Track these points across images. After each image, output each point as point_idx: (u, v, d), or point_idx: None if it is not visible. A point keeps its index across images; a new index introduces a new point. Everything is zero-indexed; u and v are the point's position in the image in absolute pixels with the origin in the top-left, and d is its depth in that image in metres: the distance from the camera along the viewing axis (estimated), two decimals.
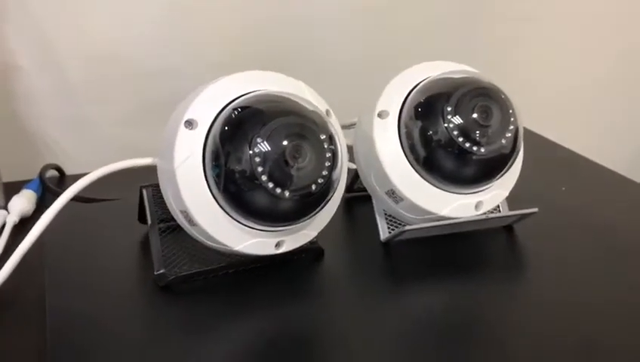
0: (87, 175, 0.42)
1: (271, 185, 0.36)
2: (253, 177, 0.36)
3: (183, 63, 0.67)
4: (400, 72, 0.46)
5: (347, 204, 0.54)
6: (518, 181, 0.47)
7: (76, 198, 0.52)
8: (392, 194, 0.44)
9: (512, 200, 0.48)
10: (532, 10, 0.81)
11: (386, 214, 0.48)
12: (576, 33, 0.85)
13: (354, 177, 0.52)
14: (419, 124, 0.43)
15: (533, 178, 0.59)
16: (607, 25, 0.86)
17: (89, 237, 0.49)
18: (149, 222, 0.42)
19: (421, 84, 0.44)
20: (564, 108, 0.88)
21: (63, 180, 0.63)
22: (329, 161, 0.38)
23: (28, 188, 0.57)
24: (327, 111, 0.43)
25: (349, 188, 0.54)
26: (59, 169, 0.64)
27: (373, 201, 0.48)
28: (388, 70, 0.47)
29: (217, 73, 0.41)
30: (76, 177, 0.42)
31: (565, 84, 0.87)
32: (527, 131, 0.78)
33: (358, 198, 0.53)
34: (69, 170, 0.65)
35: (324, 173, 0.38)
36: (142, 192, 0.43)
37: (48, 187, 0.58)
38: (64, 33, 0.64)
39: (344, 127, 0.50)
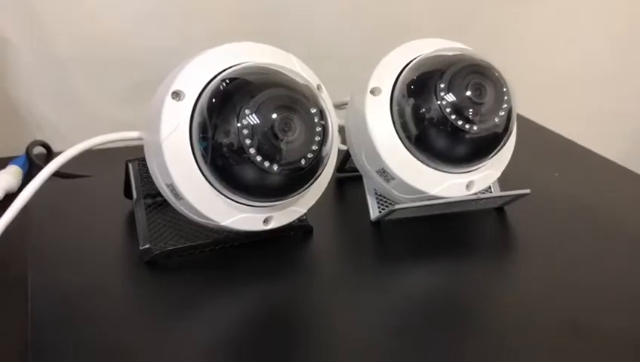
0: (71, 148, 0.41)
1: (259, 158, 0.35)
2: (241, 150, 0.35)
3: (175, 40, 0.66)
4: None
5: (338, 183, 0.53)
6: (510, 164, 0.47)
7: (61, 175, 0.52)
8: (383, 172, 0.44)
9: (504, 182, 0.48)
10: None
11: (376, 193, 0.47)
12: (572, 18, 0.84)
13: (345, 157, 0.51)
14: (411, 101, 0.42)
15: (526, 162, 0.59)
16: (604, 10, 0.85)
17: (74, 213, 0.48)
18: (135, 196, 0.41)
19: (414, 61, 0.44)
20: (559, 94, 0.88)
21: (51, 157, 0.62)
22: (319, 136, 0.37)
23: (14, 163, 0.56)
24: (319, 86, 0.42)
25: (340, 168, 0.53)
26: (46, 146, 0.64)
27: (364, 180, 0.47)
28: (387, 48, 0.46)
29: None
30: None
31: (561, 70, 0.87)
32: (520, 117, 0.79)
33: (349, 178, 0.53)
34: (57, 148, 0.64)
35: (314, 147, 0.37)
36: (127, 166, 0.42)
37: (34, 163, 0.58)
38: (54, 8, 0.63)
39: (337, 106, 0.50)
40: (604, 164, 0.63)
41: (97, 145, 0.42)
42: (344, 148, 0.49)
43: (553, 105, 0.85)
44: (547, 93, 0.87)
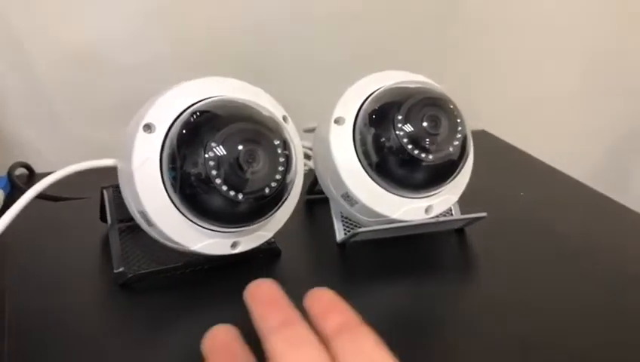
0: (52, 174, 0.43)
1: (225, 188, 0.37)
2: (208, 180, 0.37)
3: (155, 63, 0.69)
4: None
5: (307, 205, 0.56)
6: (477, 183, 0.49)
7: (43, 197, 0.54)
8: (347, 197, 0.46)
9: (468, 202, 0.51)
10: (498, 19, 0.84)
11: (342, 216, 0.50)
12: (541, 42, 0.88)
13: (314, 180, 0.54)
14: (372, 131, 0.45)
15: (492, 181, 0.61)
16: (571, 33, 0.89)
17: (53, 235, 0.50)
18: (109, 221, 0.43)
19: (375, 93, 0.46)
20: (532, 115, 0.91)
21: (32, 178, 0.63)
22: (282, 166, 0.39)
23: None
24: (285, 117, 0.44)
25: (310, 190, 0.56)
26: (28, 167, 0.65)
27: (331, 203, 0.50)
28: (356, 77, 0.49)
29: (191, 74, 0.42)
30: (45, 176, 0.43)
31: (534, 91, 0.90)
32: (490, 135, 0.82)
33: (318, 200, 0.55)
34: (39, 169, 0.65)
35: (278, 176, 0.39)
36: (102, 193, 0.44)
37: (16, 185, 0.59)
38: (34, 32, 0.65)
39: (309, 130, 0.52)
40: (570, 183, 0.66)
41: (76, 171, 0.44)
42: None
43: (522, 125, 0.88)
44: (517, 113, 0.90)
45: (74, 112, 0.69)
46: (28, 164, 0.65)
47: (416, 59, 0.77)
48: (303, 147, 0.59)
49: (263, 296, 0.24)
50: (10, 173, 0.61)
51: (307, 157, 0.57)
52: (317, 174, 0.49)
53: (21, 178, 0.63)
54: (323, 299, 0.23)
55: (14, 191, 0.58)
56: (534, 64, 0.89)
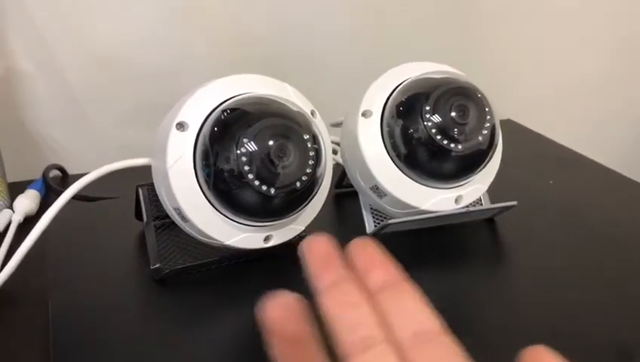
0: (86, 175, 0.44)
1: (257, 183, 0.38)
2: (241, 176, 0.38)
3: (182, 65, 0.70)
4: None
5: (336, 199, 0.56)
6: (505, 174, 0.49)
7: (78, 197, 0.55)
8: (376, 189, 0.47)
9: (498, 193, 0.50)
10: (521, 8, 0.83)
11: (371, 208, 0.50)
12: (565, 29, 0.86)
13: (342, 174, 0.54)
14: (400, 122, 0.45)
15: (521, 171, 0.61)
16: (595, 20, 0.87)
17: (89, 234, 0.51)
18: (145, 219, 0.44)
19: (402, 85, 0.46)
20: (557, 103, 0.90)
21: (66, 180, 0.65)
22: (312, 160, 0.40)
23: (31, 188, 0.59)
24: (313, 112, 0.45)
25: (338, 184, 0.56)
26: (61, 169, 0.67)
27: (360, 196, 0.50)
28: (381, 70, 0.49)
29: (215, 74, 0.43)
30: (78, 177, 0.44)
31: (559, 79, 0.89)
32: (517, 125, 0.81)
33: (346, 194, 0.55)
34: (71, 170, 0.67)
35: (308, 170, 0.40)
36: (138, 191, 0.45)
37: (51, 186, 0.60)
38: (64, 36, 0.66)
39: (336, 125, 0.53)
40: (599, 170, 0.65)
41: (110, 171, 0.45)
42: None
43: (549, 113, 0.87)
44: (544, 101, 0.89)
45: (104, 115, 0.71)
46: (61, 165, 0.67)
47: (441, 50, 0.77)
48: (332, 142, 0.59)
49: (318, 253, 0.24)
50: (44, 176, 0.63)
51: (334, 152, 0.57)
52: (345, 167, 0.50)
53: (55, 180, 0.65)
54: (367, 252, 0.24)
55: (49, 193, 0.60)
56: (559, 51, 0.88)
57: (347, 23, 0.75)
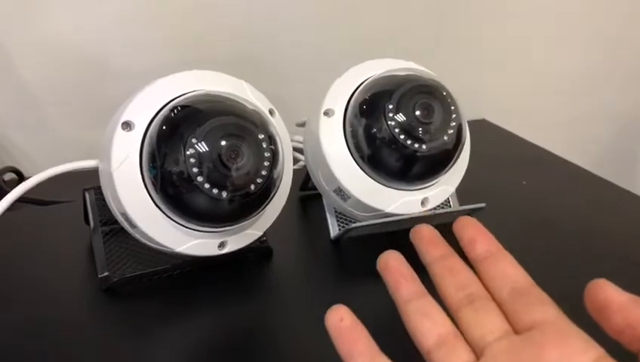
0: (33, 177, 0.42)
1: (208, 186, 0.36)
2: (190, 179, 0.35)
3: (145, 65, 0.67)
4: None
5: (301, 201, 0.54)
6: (477, 174, 0.47)
7: (31, 201, 0.53)
8: (340, 191, 0.45)
9: (468, 193, 0.49)
10: (497, 8, 0.82)
11: (336, 211, 0.48)
12: (540, 29, 0.86)
13: (307, 175, 0.52)
14: (363, 122, 0.43)
15: (493, 171, 0.59)
16: (571, 20, 0.87)
17: (38, 239, 0.48)
18: (92, 225, 0.42)
19: (365, 82, 0.44)
20: (532, 103, 0.89)
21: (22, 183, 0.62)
22: (268, 161, 0.37)
23: None
24: (271, 111, 0.43)
25: (302, 187, 0.54)
26: (17, 172, 0.64)
27: (324, 199, 0.48)
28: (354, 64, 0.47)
29: (177, 71, 0.40)
30: None
31: (534, 79, 0.88)
32: (491, 124, 0.80)
33: (312, 196, 0.53)
34: (29, 173, 0.64)
35: (264, 172, 0.37)
36: (84, 195, 0.43)
37: (4, 189, 0.58)
38: (20, 35, 0.64)
39: (302, 125, 0.51)
40: (572, 169, 0.64)
41: (58, 173, 0.42)
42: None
43: (524, 113, 0.86)
44: (518, 101, 0.88)
45: (63, 116, 0.68)
46: (17, 168, 0.64)
47: (414, 49, 0.75)
48: (297, 142, 0.57)
49: (426, 236, 0.30)
50: None
51: (300, 151, 0.55)
52: (308, 169, 0.48)
53: (11, 183, 0.62)
54: (470, 228, 0.29)
55: (2, 196, 0.57)
56: (533, 51, 0.87)
57: (315, 19, 0.73)
